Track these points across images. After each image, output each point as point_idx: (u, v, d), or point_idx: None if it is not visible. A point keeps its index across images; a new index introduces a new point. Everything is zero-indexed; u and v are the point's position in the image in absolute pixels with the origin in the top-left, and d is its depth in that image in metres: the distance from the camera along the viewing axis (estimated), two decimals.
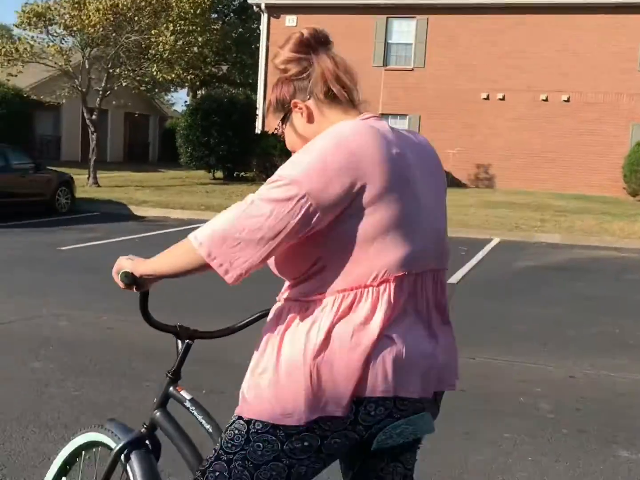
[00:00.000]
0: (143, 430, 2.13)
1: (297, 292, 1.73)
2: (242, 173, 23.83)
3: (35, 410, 4.11)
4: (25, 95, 26.73)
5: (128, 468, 2.06)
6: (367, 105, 1.84)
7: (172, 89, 42.61)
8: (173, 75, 20.64)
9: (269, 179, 1.65)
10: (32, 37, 20.10)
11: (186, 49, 20.62)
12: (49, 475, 2.33)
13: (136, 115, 35.04)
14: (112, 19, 19.10)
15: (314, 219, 1.60)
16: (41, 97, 24.31)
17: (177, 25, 19.91)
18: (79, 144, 31.70)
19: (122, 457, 2.08)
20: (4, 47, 19.32)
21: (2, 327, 5.99)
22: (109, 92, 20.83)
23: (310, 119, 1.80)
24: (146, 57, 20.80)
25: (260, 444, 1.69)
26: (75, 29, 19.38)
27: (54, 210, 14.59)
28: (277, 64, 1.82)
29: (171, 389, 2.10)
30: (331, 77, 1.77)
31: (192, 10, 20.52)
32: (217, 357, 5.22)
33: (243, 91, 25.65)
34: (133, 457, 2.06)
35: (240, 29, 38.52)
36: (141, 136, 38.04)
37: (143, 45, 20.63)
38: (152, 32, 19.58)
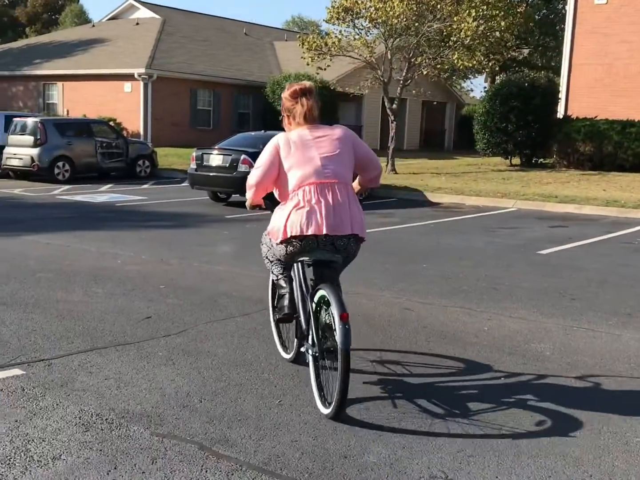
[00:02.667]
0: None
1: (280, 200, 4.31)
2: (541, 159, 22.99)
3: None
4: (331, 88, 28.40)
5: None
6: (314, 121, 4.19)
7: (470, 76, 42.46)
8: (474, 62, 20.41)
9: None
10: (340, 31, 21.24)
11: (488, 34, 20.26)
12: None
13: (434, 103, 35.46)
14: (415, 8, 19.49)
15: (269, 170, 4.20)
16: (346, 88, 25.66)
17: (480, 10, 19.66)
18: (378, 132, 32.98)
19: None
20: (314, 42, 20.66)
21: None
22: (409, 81, 21.31)
23: (289, 124, 4.25)
24: (447, 44, 20.90)
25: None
26: (379, 20, 20.09)
27: None
28: (283, 97, 4.24)
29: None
30: (300, 112, 4.15)
31: None
32: (518, 348, 5.12)
33: (545, 74, 24.69)
34: None
35: (544, 11, 37.09)
36: (437, 124, 38.45)
37: (444, 33, 20.76)
38: (454, 19, 19.60)
